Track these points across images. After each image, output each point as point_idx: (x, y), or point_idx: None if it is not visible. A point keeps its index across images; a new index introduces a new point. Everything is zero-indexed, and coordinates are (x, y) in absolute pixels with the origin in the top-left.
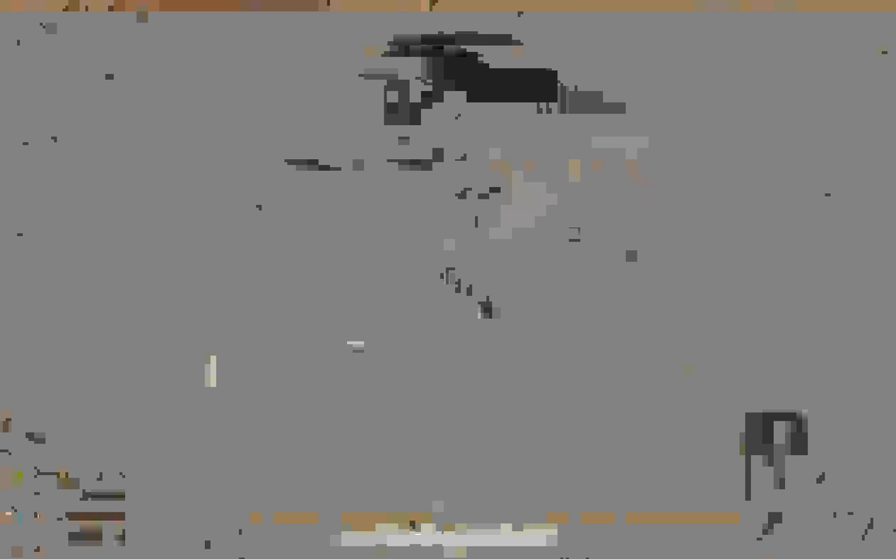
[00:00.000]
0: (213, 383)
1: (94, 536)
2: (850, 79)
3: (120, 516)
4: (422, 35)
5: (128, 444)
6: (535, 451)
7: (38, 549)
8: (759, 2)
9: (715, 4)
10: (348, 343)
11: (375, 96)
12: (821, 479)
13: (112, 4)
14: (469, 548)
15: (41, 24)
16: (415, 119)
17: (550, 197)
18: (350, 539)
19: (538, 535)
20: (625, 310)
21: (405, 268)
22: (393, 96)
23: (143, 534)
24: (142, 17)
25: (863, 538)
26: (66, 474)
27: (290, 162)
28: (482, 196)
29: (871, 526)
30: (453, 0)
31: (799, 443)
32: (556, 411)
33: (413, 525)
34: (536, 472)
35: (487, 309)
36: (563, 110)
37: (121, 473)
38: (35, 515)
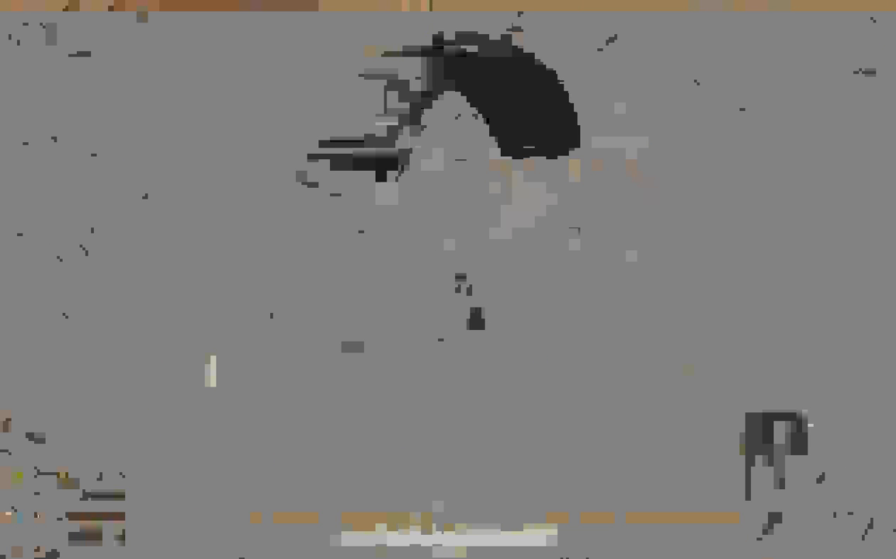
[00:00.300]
0: (213, 383)
1: (94, 536)
2: (850, 78)
3: (120, 516)
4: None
5: (128, 444)
6: (534, 451)
7: (37, 549)
8: (754, 2)
9: (715, 5)
10: None
11: (375, 96)
12: (821, 479)
13: (112, 4)
14: (469, 548)
15: (41, 24)
16: (415, 119)
17: (550, 197)
18: (350, 539)
19: (538, 535)
20: (625, 309)
21: (405, 268)
22: (398, 102)
23: (143, 534)
24: (142, 17)
25: (863, 538)
26: (66, 474)
27: (314, 153)
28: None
29: (871, 526)
30: (453, 0)
31: (799, 443)
32: (556, 411)
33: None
34: (536, 472)
35: (476, 319)
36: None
37: (121, 473)
38: (35, 515)
